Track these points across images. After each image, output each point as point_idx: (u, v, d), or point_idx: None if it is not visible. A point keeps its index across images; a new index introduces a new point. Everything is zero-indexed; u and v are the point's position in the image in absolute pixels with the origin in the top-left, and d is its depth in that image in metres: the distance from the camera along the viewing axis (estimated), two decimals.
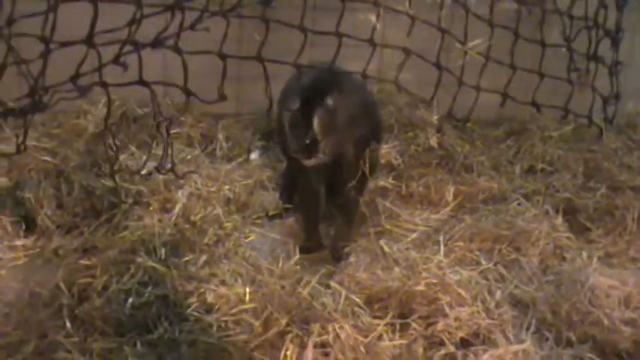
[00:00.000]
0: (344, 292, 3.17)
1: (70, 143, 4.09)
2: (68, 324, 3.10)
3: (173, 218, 3.68)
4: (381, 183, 4.23)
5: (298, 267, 3.47)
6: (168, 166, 3.35)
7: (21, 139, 3.01)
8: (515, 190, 4.21)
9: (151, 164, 3.92)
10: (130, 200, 3.80)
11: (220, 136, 4.54)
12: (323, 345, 2.95)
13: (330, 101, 3.32)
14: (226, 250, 3.60)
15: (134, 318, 3.16)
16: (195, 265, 3.46)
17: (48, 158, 3.92)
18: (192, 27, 2.75)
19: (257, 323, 2.93)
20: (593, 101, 4.66)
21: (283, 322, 2.89)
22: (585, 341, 3.04)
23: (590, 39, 4.44)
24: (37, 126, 4.21)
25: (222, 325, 3.05)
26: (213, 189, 3.90)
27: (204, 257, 3.49)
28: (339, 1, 3.57)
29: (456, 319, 3.16)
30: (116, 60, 2.72)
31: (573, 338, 3.07)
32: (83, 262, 3.34)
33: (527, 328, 3.06)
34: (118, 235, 3.59)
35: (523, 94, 4.32)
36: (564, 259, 3.63)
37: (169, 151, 3.35)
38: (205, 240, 3.65)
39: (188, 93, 2.98)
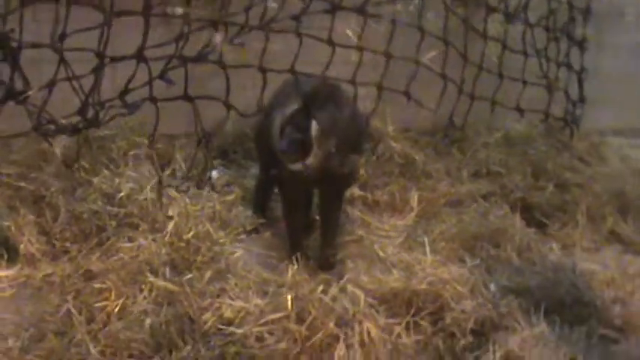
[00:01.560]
0: (362, 296, 3.38)
1: (39, 168, 4.03)
2: (92, 349, 3.11)
3: (167, 237, 3.73)
4: (348, 193, 4.45)
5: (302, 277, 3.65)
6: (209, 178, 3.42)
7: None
8: (472, 192, 4.59)
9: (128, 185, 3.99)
10: (114, 223, 3.82)
11: (178, 157, 4.60)
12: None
13: (329, 110, 3.54)
14: (225, 265, 3.70)
15: (156, 338, 3.23)
16: (201, 282, 3.54)
17: (23, 184, 3.86)
18: (230, 41, 2.88)
19: (302, 329, 3.07)
20: (567, 105, 5.19)
21: (330, 325, 3.05)
22: (584, 321, 3.42)
23: (558, 49, 4.96)
24: None
25: (257, 335, 3.16)
26: (197, 207, 3.97)
27: (208, 274, 3.57)
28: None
29: (463, 311, 3.45)
30: (162, 75, 2.79)
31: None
32: (96, 285, 3.34)
33: (536, 313, 3.39)
34: (112, 259, 3.60)
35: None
36: (539, 251, 4.03)
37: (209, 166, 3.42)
38: (199, 257, 3.74)
39: (229, 107, 3.10)
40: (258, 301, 3.38)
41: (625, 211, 4.63)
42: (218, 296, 3.46)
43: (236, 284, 3.55)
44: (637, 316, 3.49)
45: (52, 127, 2.71)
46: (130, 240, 3.70)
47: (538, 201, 4.53)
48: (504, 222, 4.17)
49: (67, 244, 3.72)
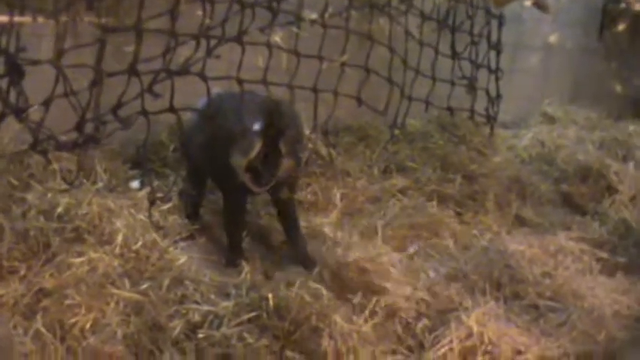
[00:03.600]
0: (324, 290, 3.67)
1: None
2: None
3: (117, 249, 3.84)
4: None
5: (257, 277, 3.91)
6: None
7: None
8: (388, 188, 4.99)
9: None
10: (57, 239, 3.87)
11: (99, 168, 4.66)
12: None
13: (292, 130, 3.85)
14: (178, 272, 3.86)
15: (130, 349, 3.37)
16: (160, 289, 3.68)
17: None
18: (208, 54, 3.06)
19: (285, 325, 3.32)
20: (489, 102, 5.72)
21: (313, 318, 3.32)
22: (522, 296, 3.89)
23: (476, 51, 5.48)
24: None
25: (234, 335, 3.38)
26: (140, 217, 4.10)
27: (165, 282, 3.73)
28: None
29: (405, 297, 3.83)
30: (150, 88, 2.93)
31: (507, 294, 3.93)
32: (67, 302, 3.41)
33: (483, 293, 3.82)
34: (65, 274, 3.66)
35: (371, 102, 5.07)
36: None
37: None
38: (149, 267, 3.88)
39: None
40: (225, 303, 3.59)
41: (523, 196, 5.22)
42: (181, 302, 3.64)
43: (195, 289, 3.74)
44: (563, 287, 4.00)
45: (52, 143, 2.79)
46: (80, 254, 3.78)
47: (451, 192, 5.00)
48: (432, 212, 4.62)
49: (16, 264, 3.73)
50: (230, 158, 3.90)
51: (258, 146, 3.78)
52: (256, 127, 3.78)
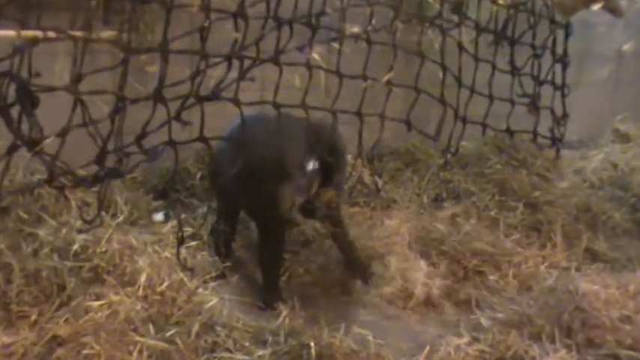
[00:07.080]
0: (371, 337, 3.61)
1: None
2: None
3: (140, 291, 3.80)
4: (316, 224, 4.65)
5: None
6: None
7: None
8: (444, 216, 4.92)
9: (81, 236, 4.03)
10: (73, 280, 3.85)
11: (119, 200, 4.65)
12: None
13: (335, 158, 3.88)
14: (208, 316, 3.81)
15: None
16: (189, 336, 3.64)
17: None
18: (241, 76, 3.01)
19: None
20: (554, 122, 5.65)
21: None
22: (598, 344, 3.77)
23: (539, 65, 5.41)
24: None
25: None
26: (165, 254, 4.07)
27: (195, 327, 3.68)
28: None
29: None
30: (178, 116, 2.89)
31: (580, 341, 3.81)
32: (85, 351, 3.38)
33: (552, 341, 3.71)
34: (81, 320, 3.63)
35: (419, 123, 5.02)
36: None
37: None
38: (175, 310, 3.84)
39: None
40: (261, 352, 3.54)
41: (595, 227, 5.10)
42: (212, 351, 3.59)
43: (227, 336, 3.69)
44: None
45: (70, 178, 2.75)
46: (98, 297, 3.75)
47: (513, 221, 4.91)
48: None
49: (26, 308, 3.71)
50: (278, 192, 3.91)
51: (315, 185, 3.78)
52: (312, 166, 3.82)
